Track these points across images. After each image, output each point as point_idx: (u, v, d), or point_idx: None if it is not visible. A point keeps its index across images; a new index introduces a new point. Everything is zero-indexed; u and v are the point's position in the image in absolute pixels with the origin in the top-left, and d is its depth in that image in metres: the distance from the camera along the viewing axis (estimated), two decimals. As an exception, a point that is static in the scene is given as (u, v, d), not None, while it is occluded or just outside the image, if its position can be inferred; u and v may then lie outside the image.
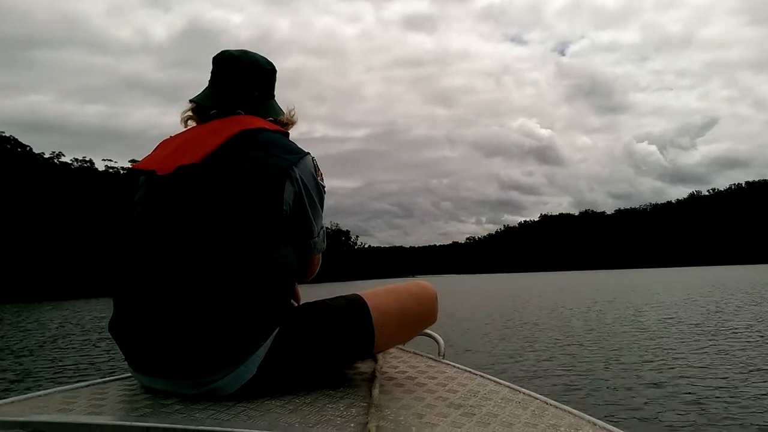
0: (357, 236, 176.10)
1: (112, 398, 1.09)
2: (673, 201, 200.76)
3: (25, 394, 1.13)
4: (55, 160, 68.37)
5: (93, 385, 1.22)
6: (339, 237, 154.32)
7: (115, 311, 1.12)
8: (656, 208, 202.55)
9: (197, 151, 1.11)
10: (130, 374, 1.21)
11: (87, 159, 73.73)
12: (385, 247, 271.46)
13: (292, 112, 1.36)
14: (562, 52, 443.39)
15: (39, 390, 1.16)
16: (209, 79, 1.29)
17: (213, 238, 1.04)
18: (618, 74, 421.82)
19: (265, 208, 1.08)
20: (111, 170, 74.20)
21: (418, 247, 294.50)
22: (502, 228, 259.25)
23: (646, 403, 5.04)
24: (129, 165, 75.48)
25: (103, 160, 79.81)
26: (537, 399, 1.03)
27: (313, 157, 1.20)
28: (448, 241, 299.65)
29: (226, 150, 1.11)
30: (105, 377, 1.30)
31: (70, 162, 71.47)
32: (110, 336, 1.13)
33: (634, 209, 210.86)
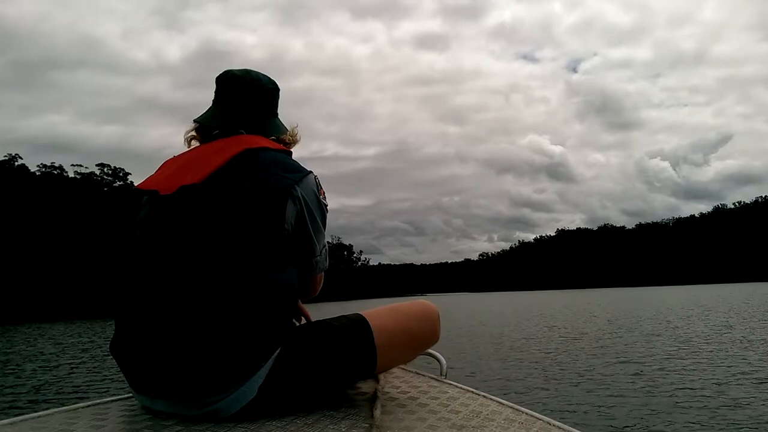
0: (361, 251, 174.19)
1: (112, 419, 1.11)
2: (696, 215, 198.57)
3: (25, 414, 1.15)
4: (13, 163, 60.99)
5: (93, 405, 1.24)
6: (341, 251, 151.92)
7: (116, 332, 1.14)
8: (679, 222, 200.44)
9: (199, 170, 1.14)
10: (130, 395, 1.23)
11: (57, 165, 67.70)
12: (395, 265, 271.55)
13: (296, 131, 1.39)
14: (574, 70, 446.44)
15: (39, 410, 1.18)
16: (213, 99, 1.33)
17: (215, 259, 1.06)
18: (631, 91, 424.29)
19: (267, 228, 1.10)
20: (79, 176, 68.79)
21: (430, 265, 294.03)
22: (517, 244, 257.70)
23: (654, 426, 5.04)
24: (97, 170, 69.66)
25: (72, 165, 71.97)
26: (540, 420, 1.03)
27: (315, 176, 1.22)
28: (460, 259, 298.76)
29: (229, 169, 1.13)
30: (106, 398, 1.32)
31: (36, 170, 64.58)
32: (111, 356, 1.15)
33: (656, 224, 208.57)
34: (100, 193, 66.34)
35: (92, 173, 71.20)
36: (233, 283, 1.05)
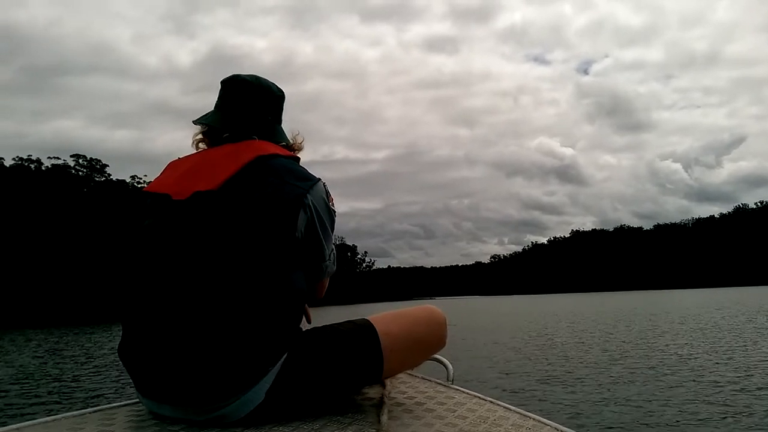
0: (366, 252, 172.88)
1: (120, 424, 1.14)
2: (716, 215, 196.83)
3: (33, 419, 1.18)
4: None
5: (101, 410, 1.27)
6: (344, 253, 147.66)
7: (124, 335, 1.17)
8: (698, 223, 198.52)
9: (214, 176, 1.16)
10: (137, 400, 1.26)
11: (34, 158, 61.44)
12: (404, 268, 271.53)
13: (298, 138, 1.43)
14: (586, 71, 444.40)
15: (47, 416, 1.22)
16: (216, 102, 1.35)
17: (227, 266, 1.09)
18: (643, 92, 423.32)
19: (279, 236, 1.13)
20: (48, 167, 61.61)
21: (440, 268, 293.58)
22: (530, 245, 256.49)
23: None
24: (72, 162, 63.63)
25: (49, 157, 64.18)
26: (548, 425, 1.05)
27: (324, 183, 1.26)
28: (471, 262, 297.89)
29: (242, 177, 1.16)
30: (113, 403, 1.36)
31: (12, 162, 58.21)
32: (118, 361, 1.19)
33: (674, 225, 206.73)
34: (75, 186, 62.19)
35: (66, 165, 64.61)
36: (244, 289, 1.08)
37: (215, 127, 1.31)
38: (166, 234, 1.15)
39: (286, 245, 1.14)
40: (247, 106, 1.31)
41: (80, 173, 66.11)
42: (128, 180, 69.96)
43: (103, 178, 67.82)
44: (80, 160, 66.71)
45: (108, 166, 69.48)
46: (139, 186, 68.40)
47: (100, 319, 44.60)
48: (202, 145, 1.35)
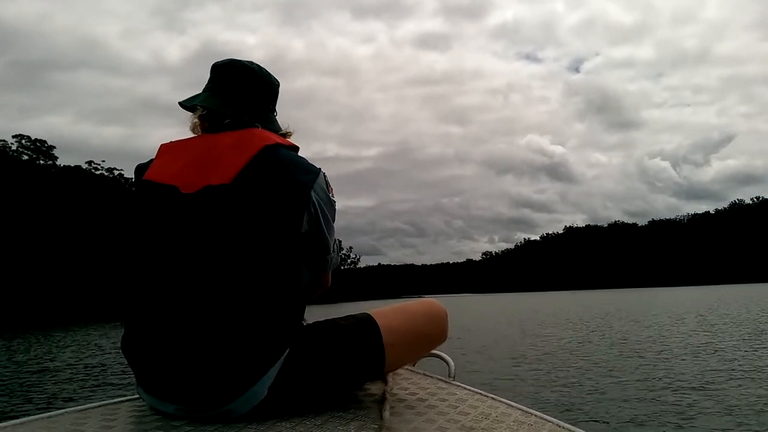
0: (351, 247, 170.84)
1: (122, 419, 1.17)
2: (711, 212, 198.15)
3: (35, 414, 1.21)
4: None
5: (103, 405, 1.30)
6: None
7: (128, 331, 1.19)
8: (693, 219, 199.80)
9: (224, 169, 1.16)
10: (139, 395, 1.28)
11: None
12: (395, 265, 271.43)
13: (289, 130, 1.43)
14: (577, 69, 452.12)
15: (49, 411, 1.25)
16: (209, 85, 1.32)
17: (235, 262, 1.11)
18: (633, 91, 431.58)
19: (286, 233, 1.15)
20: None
21: (431, 265, 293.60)
22: (522, 242, 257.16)
23: (666, 428, 5.03)
24: (14, 143, 55.34)
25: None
26: (550, 422, 1.07)
27: (324, 173, 1.28)
28: (462, 260, 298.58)
29: (252, 170, 1.16)
30: (115, 398, 1.37)
31: None
32: (121, 357, 1.20)
33: (670, 221, 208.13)
34: (16, 169, 55.06)
35: (5, 145, 56.82)
36: (251, 286, 1.10)
37: (217, 111, 1.28)
38: (175, 228, 1.14)
39: (292, 241, 1.16)
40: (251, 93, 1.32)
41: (24, 155, 59.05)
42: (84, 166, 65.94)
43: (50, 162, 61.52)
44: (23, 141, 59.50)
45: (55, 147, 62.72)
46: (97, 173, 65.83)
47: (74, 320, 43.40)
48: (198, 129, 1.32)
